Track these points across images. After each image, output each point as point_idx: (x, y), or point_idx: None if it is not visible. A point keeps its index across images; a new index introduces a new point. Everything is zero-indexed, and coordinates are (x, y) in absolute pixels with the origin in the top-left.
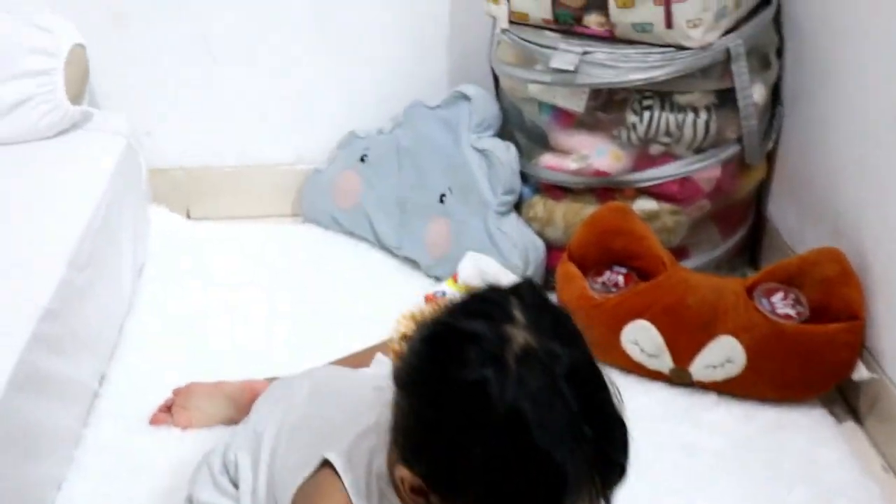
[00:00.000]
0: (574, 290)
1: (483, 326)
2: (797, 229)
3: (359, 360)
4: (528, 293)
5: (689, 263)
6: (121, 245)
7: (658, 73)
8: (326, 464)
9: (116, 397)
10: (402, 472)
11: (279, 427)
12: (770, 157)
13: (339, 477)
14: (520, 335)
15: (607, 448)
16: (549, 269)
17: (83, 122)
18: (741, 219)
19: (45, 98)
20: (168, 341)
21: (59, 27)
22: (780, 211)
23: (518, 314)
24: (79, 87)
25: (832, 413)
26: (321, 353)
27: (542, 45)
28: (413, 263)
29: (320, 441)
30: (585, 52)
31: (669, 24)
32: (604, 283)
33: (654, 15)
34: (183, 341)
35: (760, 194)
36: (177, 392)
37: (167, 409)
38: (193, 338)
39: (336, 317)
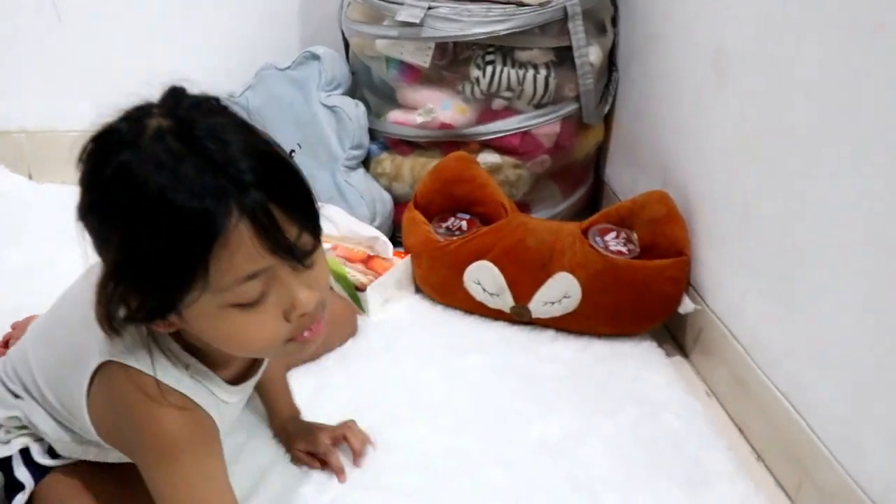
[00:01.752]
0: (419, 235)
1: (121, 124)
2: (631, 188)
3: None
4: (171, 96)
5: None
6: None
7: (499, 28)
8: (103, 366)
9: None
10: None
11: (36, 332)
12: (607, 122)
13: (127, 365)
14: (155, 121)
15: (258, 186)
16: (397, 223)
17: None
18: (581, 179)
19: None
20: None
21: None
22: (616, 173)
23: (157, 110)
24: None
25: (661, 347)
26: None
27: (389, 2)
28: None
29: (77, 334)
30: (430, 7)
31: None
32: (448, 228)
33: None
34: (12, 290)
35: (599, 158)
36: (14, 325)
37: (4, 343)
38: (21, 287)
39: None
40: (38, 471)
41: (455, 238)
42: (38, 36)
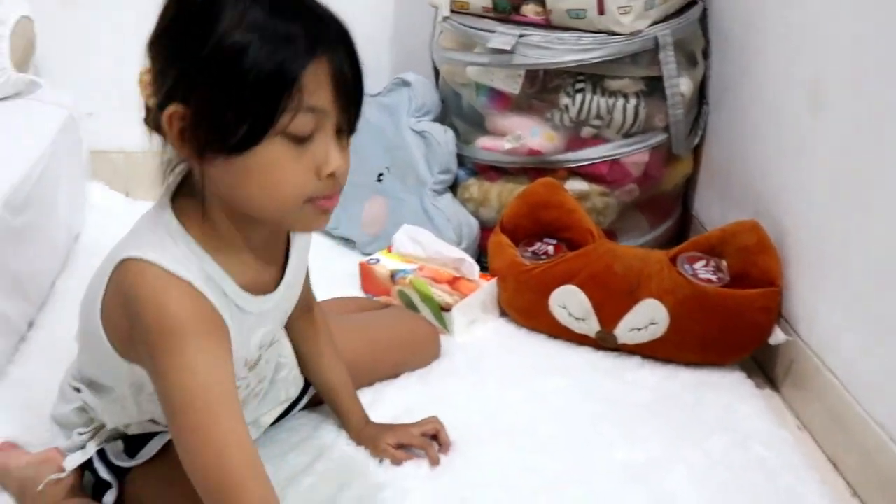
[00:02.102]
0: (505, 258)
1: None
2: (720, 221)
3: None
4: None
5: None
6: (57, 206)
7: (590, 56)
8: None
9: (43, 343)
10: (169, 112)
11: None
12: (696, 154)
13: (141, 258)
14: None
15: (345, 42)
16: (483, 248)
17: (27, 91)
18: (668, 210)
19: None
20: None
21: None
22: (705, 206)
23: None
24: (24, 56)
25: (750, 378)
26: None
27: (481, 29)
28: (349, 243)
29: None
30: (522, 35)
31: (602, 10)
32: (534, 252)
33: (588, 2)
34: None
35: (687, 190)
36: None
37: None
38: None
39: None
40: (120, 469)
41: (541, 262)
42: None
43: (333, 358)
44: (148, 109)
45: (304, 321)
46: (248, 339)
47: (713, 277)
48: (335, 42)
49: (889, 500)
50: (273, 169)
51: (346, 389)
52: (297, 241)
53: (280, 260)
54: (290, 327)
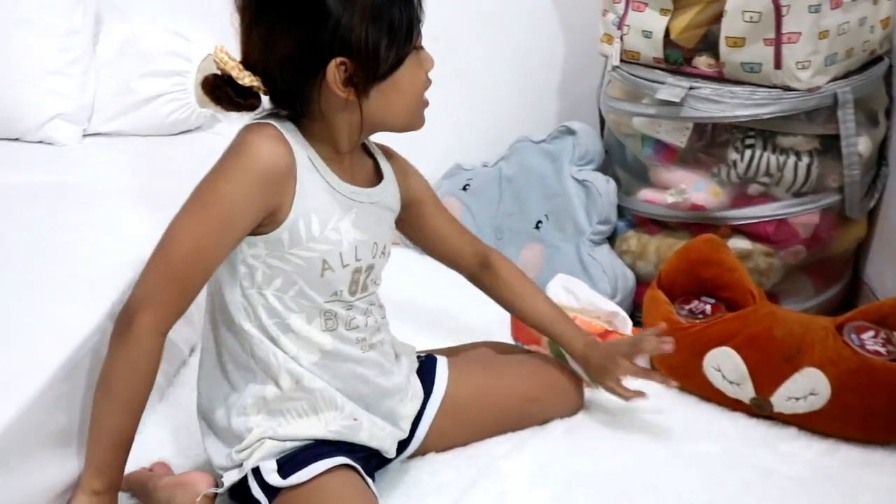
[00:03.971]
0: (660, 314)
1: None
2: (894, 290)
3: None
4: None
5: None
6: None
7: (763, 111)
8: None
9: None
10: (330, 68)
11: None
12: (871, 218)
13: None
14: None
15: None
16: (638, 303)
17: (208, 126)
18: (837, 275)
19: (176, 96)
20: None
21: (197, 36)
22: (878, 273)
23: None
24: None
25: None
26: None
27: (650, 80)
28: None
29: None
30: (692, 87)
31: (778, 64)
32: (691, 311)
33: (764, 55)
34: None
35: (859, 254)
36: None
37: None
38: None
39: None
40: (270, 490)
41: (698, 321)
42: None
43: (534, 293)
44: (228, 80)
45: (487, 275)
46: (341, 221)
47: (882, 350)
48: None
49: None
50: (414, 77)
51: (558, 318)
52: (385, 166)
53: (370, 176)
54: (481, 284)
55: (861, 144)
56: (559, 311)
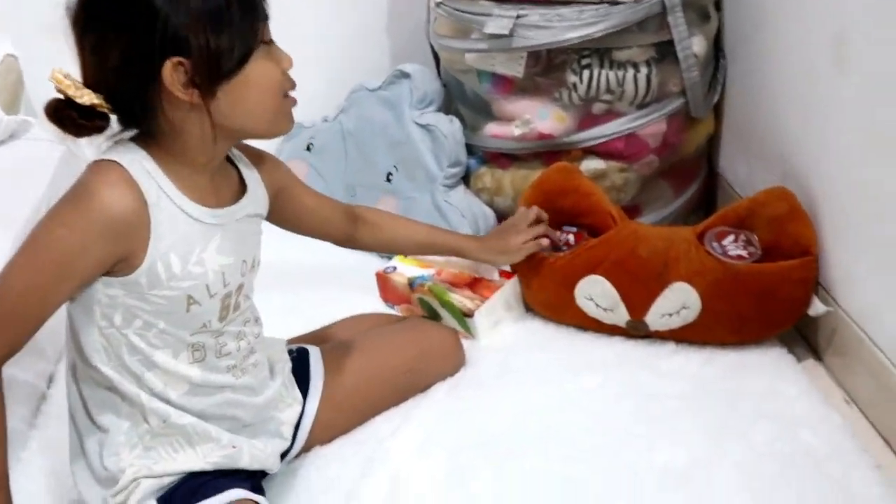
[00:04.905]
0: None
1: None
2: (748, 180)
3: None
4: None
5: (642, 221)
6: None
7: (593, 30)
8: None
9: (64, 398)
10: (166, 70)
11: None
12: (717, 111)
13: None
14: None
15: None
16: None
17: (21, 131)
18: (692, 174)
19: None
20: None
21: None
22: (731, 163)
23: None
24: (13, 96)
25: (792, 352)
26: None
27: (475, 14)
28: None
29: None
30: (519, 16)
31: None
32: (554, 243)
33: None
34: None
35: (711, 149)
36: None
37: None
38: None
39: (291, 302)
40: None
41: (563, 253)
42: None
43: (406, 223)
44: (69, 103)
45: (360, 227)
46: (204, 252)
47: (744, 253)
48: None
49: None
50: (265, 73)
51: (438, 234)
52: (249, 174)
53: (235, 188)
54: (355, 239)
55: (696, 45)
56: (435, 228)
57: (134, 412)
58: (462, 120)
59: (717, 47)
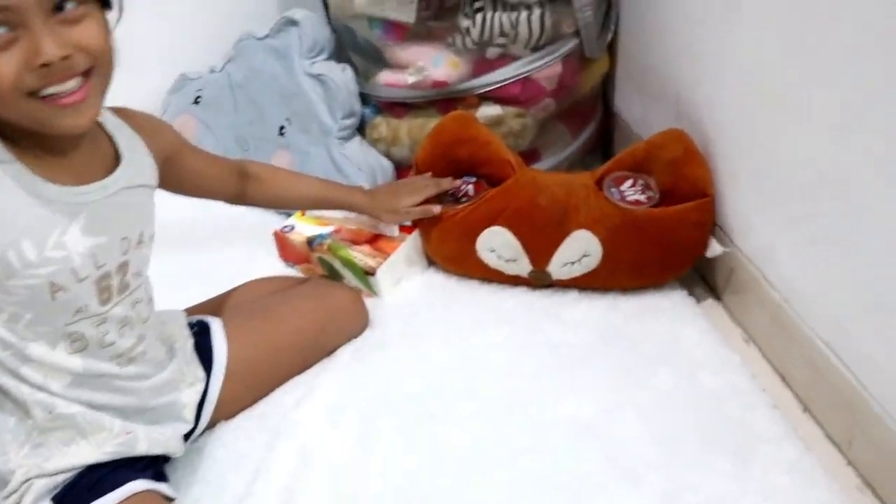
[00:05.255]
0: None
1: None
2: (643, 118)
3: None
4: None
5: (541, 165)
6: None
7: None
8: None
9: None
10: None
11: None
12: (611, 50)
13: None
14: None
15: None
16: None
17: None
18: (589, 115)
19: None
20: None
21: None
22: (626, 102)
23: None
24: None
25: (692, 293)
26: (180, 301)
27: None
28: None
29: None
30: None
31: None
32: (454, 195)
33: None
34: None
35: (606, 88)
36: None
37: None
38: None
39: (189, 266)
40: None
41: (463, 205)
42: None
43: (297, 177)
44: None
45: (250, 183)
46: (65, 234)
47: (642, 197)
48: None
49: (841, 416)
50: None
51: (329, 188)
52: (129, 143)
53: (108, 161)
54: (246, 196)
55: None
56: (326, 181)
57: (17, 407)
58: (354, 68)
59: None
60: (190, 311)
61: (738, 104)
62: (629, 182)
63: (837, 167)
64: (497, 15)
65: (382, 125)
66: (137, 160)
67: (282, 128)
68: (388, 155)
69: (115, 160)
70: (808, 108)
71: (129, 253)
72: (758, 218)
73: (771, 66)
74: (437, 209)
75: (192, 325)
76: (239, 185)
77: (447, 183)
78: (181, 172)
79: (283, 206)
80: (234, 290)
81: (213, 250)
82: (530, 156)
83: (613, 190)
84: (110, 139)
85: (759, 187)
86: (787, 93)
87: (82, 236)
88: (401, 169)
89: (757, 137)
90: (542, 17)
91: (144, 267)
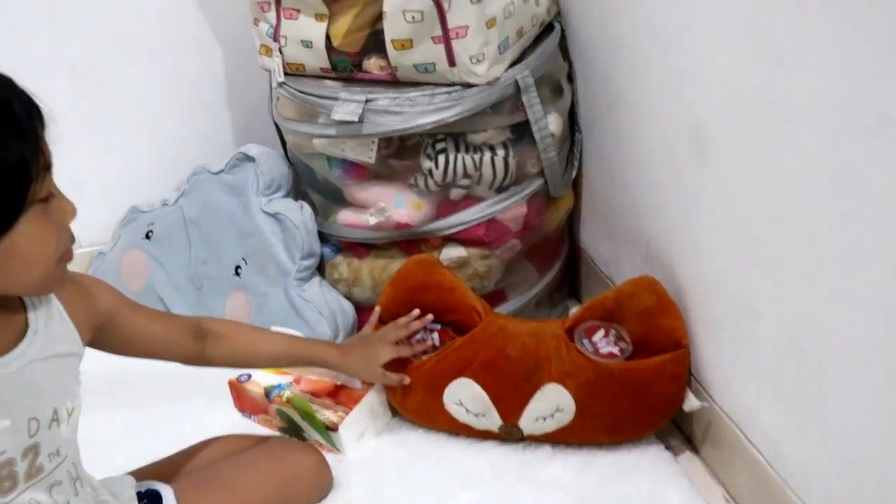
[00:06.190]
0: None
1: None
2: (611, 258)
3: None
4: None
5: (508, 306)
6: None
7: (447, 115)
8: None
9: None
10: None
11: None
12: (576, 185)
13: None
14: None
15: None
16: None
17: None
18: (555, 252)
19: None
20: None
21: None
22: (593, 239)
23: None
24: None
25: (669, 447)
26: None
27: (322, 97)
28: None
29: None
30: (368, 100)
31: (452, 61)
32: (419, 343)
33: (436, 54)
34: None
35: (571, 223)
36: None
37: None
38: None
39: (137, 420)
40: None
41: (429, 356)
42: None
43: (261, 334)
44: None
45: (208, 342)
46: None
47: (615, 350)
48: (21, 95)
49: None
50: (35, 240)
51: (295, 345)
52: (41, 311)
53: (16, 331)
54: (203, 356)
55: (552, 124)
56: (291, 338)
57: None
58: (313, 206)
59: (572, 121)
60: (137, 474)
61: (710, 256)
62: (601, 332)
63: (816, 325)
64: (460, 156)
65: (343, 265)
66: (52, 328)
67: (237, 268)
68: (349, 296)
69: (24, 331)
70: (784, 269)
71: (39, 434)
72: (735, 371)
73: (743, 225)
74: (406, 379)
75: (140, 495)
76: (195, 346)
77: (417, 324)
78: (126, 337)
79: (247, 365)
80: (188, 450)
81: (164, 402)
82: (496, 297)
83: (585, 341)
84: (24, 307)
85: (735, 344)
86: (762, 253)
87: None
88: (362, 311)
89: (731, 292)
90: (505, 158)
91: (66, 444)
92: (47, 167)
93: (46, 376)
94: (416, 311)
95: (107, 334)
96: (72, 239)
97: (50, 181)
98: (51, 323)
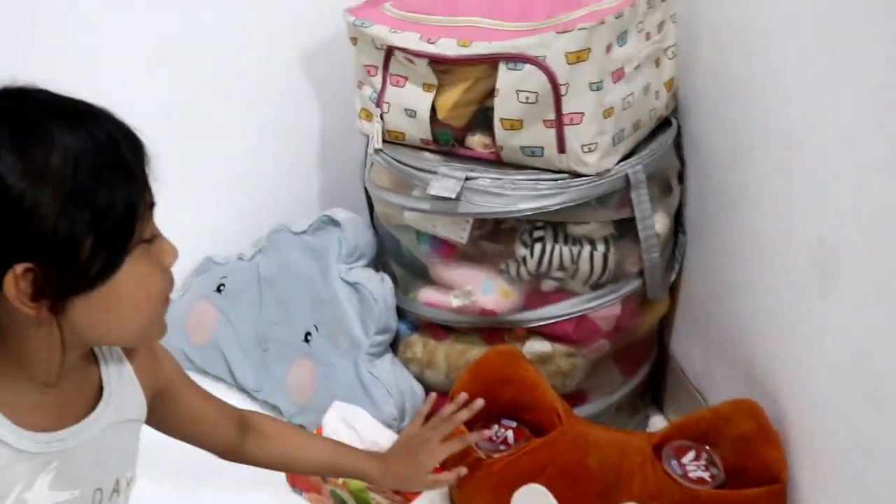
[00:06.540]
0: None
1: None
2: (704, 370)
3: None
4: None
5: (587, 409)
6: None
7: (550, 203)
8: None
9: None
10: (9, 280)
11: None
12: (672, 289)
13: None
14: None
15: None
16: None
17: None
18: (643, 356)
19: None
20: None
21: None
22: (685, 348)
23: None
24: None
25: None
26: None
27: (419, 169)
28: (274, 409)
29: None
30: (468, 178)
31: (562, 148)
32: (491, 440)
33: (546, 138)
34: None
35: (662, 328)
36: None
37: None
38: None
39: (177, 487)
40: None
41: (500, 454)
42: None
43: (306, 439)
44: None
45: (251, 438)
46: (29, 490)
47: (706, 475)
48: (129, 135)
49: None
50: (141, 281)
51: (340, 454)
52: (114, 371)
53: (90, 395)
54: (244, 452)
55: (658, 223)
56: (338, 445)
57: None
58: (394, 279)
59: (676, 222)
60: None
61: (825, 383)
62: (691, 454)
63: None
64: (558, 247)
65: (418, 345)
66: (125, 388)
67: (308, 334)
68: (420, 378)
69: (99, 392)
70: None
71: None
72: None
73: (867, 348)
74: (463, 471)
75: None
76: (237, 438)
77: (475, 436)
78: (175, 411)
79: (284, 469)
80: None
81: (213, 477)
82: (576, 397)
83: (674, 462)
84: (97, 364)
85: (843, 480)
86: (884, 377)
87: (48, 491)
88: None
89: (843, 422)
90: (605, 254)
91: None
92: (151, 206)
93: (115, 444)
94: (463, 397)
95: (158, 405)
96: (172, 282)
97: (152, 222)
98: (122, 383)
